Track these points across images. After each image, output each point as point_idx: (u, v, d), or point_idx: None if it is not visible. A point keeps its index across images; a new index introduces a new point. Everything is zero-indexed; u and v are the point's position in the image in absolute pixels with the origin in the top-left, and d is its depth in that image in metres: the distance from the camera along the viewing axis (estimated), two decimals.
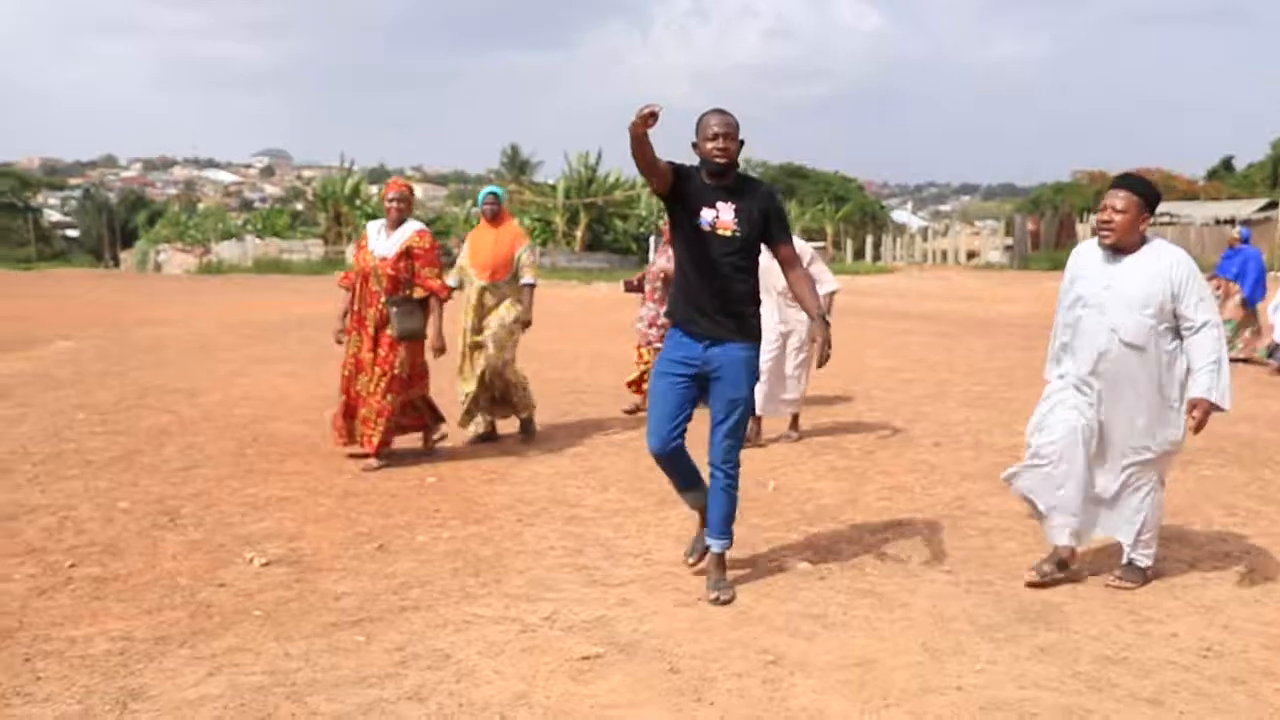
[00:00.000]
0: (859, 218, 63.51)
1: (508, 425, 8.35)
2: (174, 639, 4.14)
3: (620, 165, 43.91)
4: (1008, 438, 8.27)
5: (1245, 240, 14.21)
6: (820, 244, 57.22)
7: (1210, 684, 3.84)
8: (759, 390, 5.94)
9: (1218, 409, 4.61)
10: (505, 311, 7.86)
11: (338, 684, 3.74)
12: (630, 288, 10.29)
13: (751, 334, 4.64)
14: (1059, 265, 14.14)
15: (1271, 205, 46.77)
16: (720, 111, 4.52)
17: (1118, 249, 4.71)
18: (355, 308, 7.19)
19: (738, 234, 4.50)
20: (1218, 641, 4.24)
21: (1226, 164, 70.20)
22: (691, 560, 4.97)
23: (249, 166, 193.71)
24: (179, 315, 18.97)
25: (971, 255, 52.83)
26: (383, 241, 7.14)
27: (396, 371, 7.05)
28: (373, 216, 42.37)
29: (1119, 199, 4.66)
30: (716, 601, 4.53)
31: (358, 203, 46.01)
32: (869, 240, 56.64)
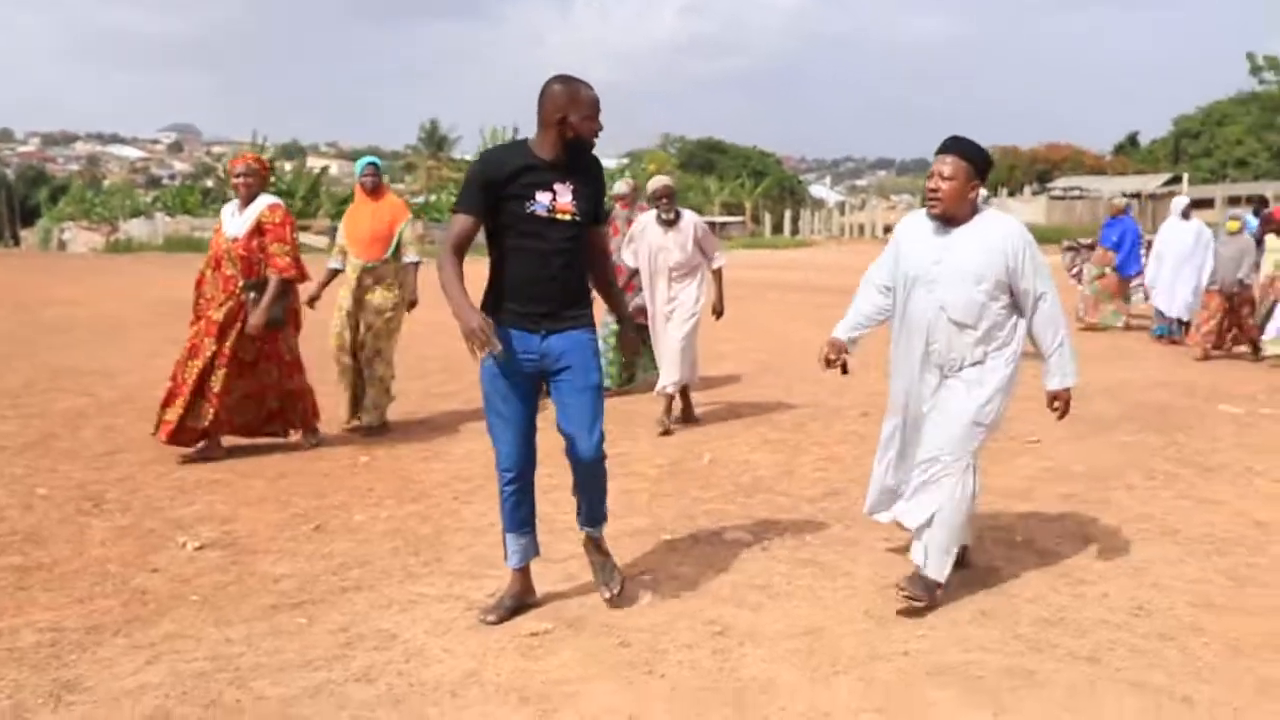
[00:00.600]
0: (777, 192, 64.01)
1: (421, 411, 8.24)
2: (107, 628, 4.04)
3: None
4: None
5: (1127, 211, 14.79)
6: (739, 218, 57.49)
7: (1143, 641, 3.95)
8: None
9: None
10: (383, 298, 7.40)
11: (282, 668, 3.69)
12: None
13: (592, 320, 4.22)
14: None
15: (1175, 180, 48.05)
16: (588, 85, 4.03)
17: (947, 220, 4.29)
18: (207, 294, 6.67)
19: (577, 217, 4.03)
20: (1147, 600, 4.36)
21: (1132, 140, 71.99)
22: (610, 594, 4.31)
23: (156, 142, 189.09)
24: (88, 295, 18.43)
25: (888, 229, 53.45)
26: (235, 221, 6.66)
27: (243, 357, 6.57)
28: (286, 194, 41.64)
29: (946, 165, 4.24)
30: (613, 600, 4.26)
31: (271, 180, 45.10)
32: (787, 214, 57.07)
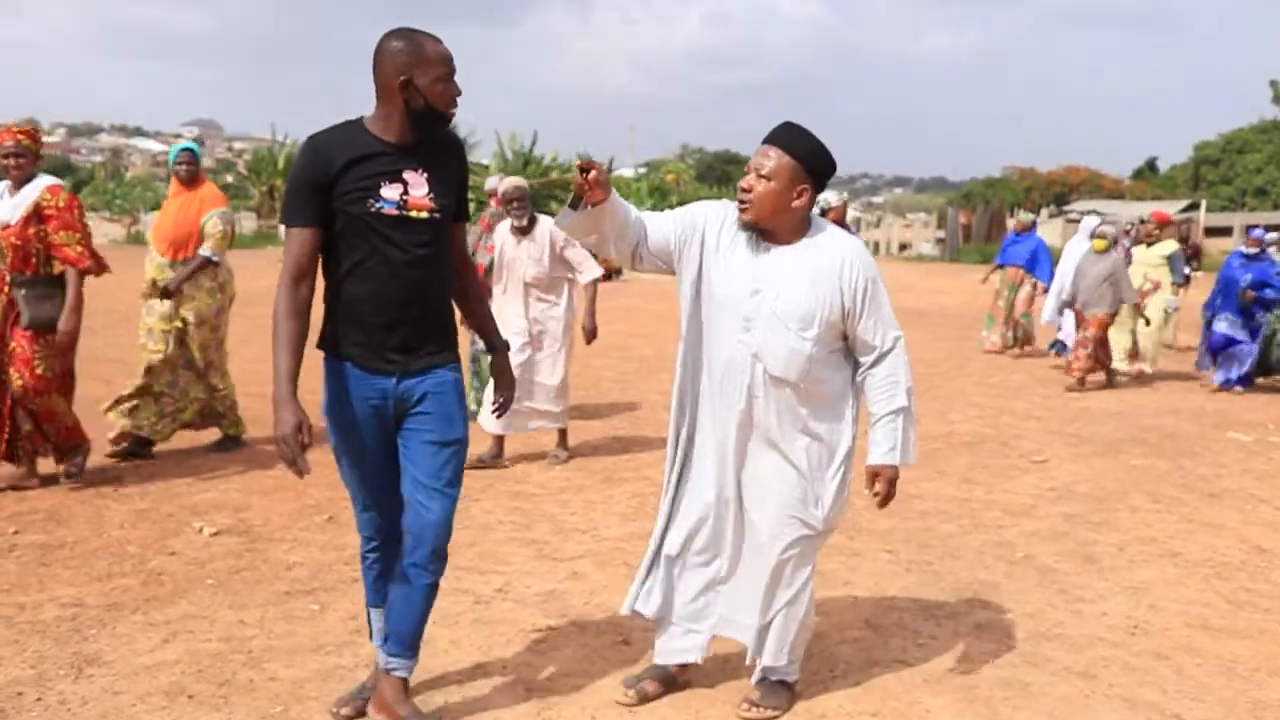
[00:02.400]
0: None
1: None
2: (126, 605, 4.15)
3: (557, 147, 43.76)
4: (940, 425, 8.46)
5: (1033, 228, 13.97)
6: None
7: (1137, 659, 4.02)
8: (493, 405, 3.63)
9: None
10: (203, 303, 6.54)
11: (294, 651, 3.78)
12: None
13: (458, 353, 3.29)
14: (989, 258, 14.42)
15: (1193, 206, 47.98)
16: (435, 38, 3.06)
17: (766, 234, 3.26)
18: None
19: (436, 214, 3.10)
20: (1144, 620, 4.43)
21: (1151, 165, 71.82)
22: (342, 713, 3.34)
23: (178, 136, 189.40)
24: (104, 284, 18.53)
25: (904, 247, 53.50)
26: (5, 206, 5.57)
27: (41, 371, 5.57)
28: None
29: (767, 159, 3.20)
30: None
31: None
32: None
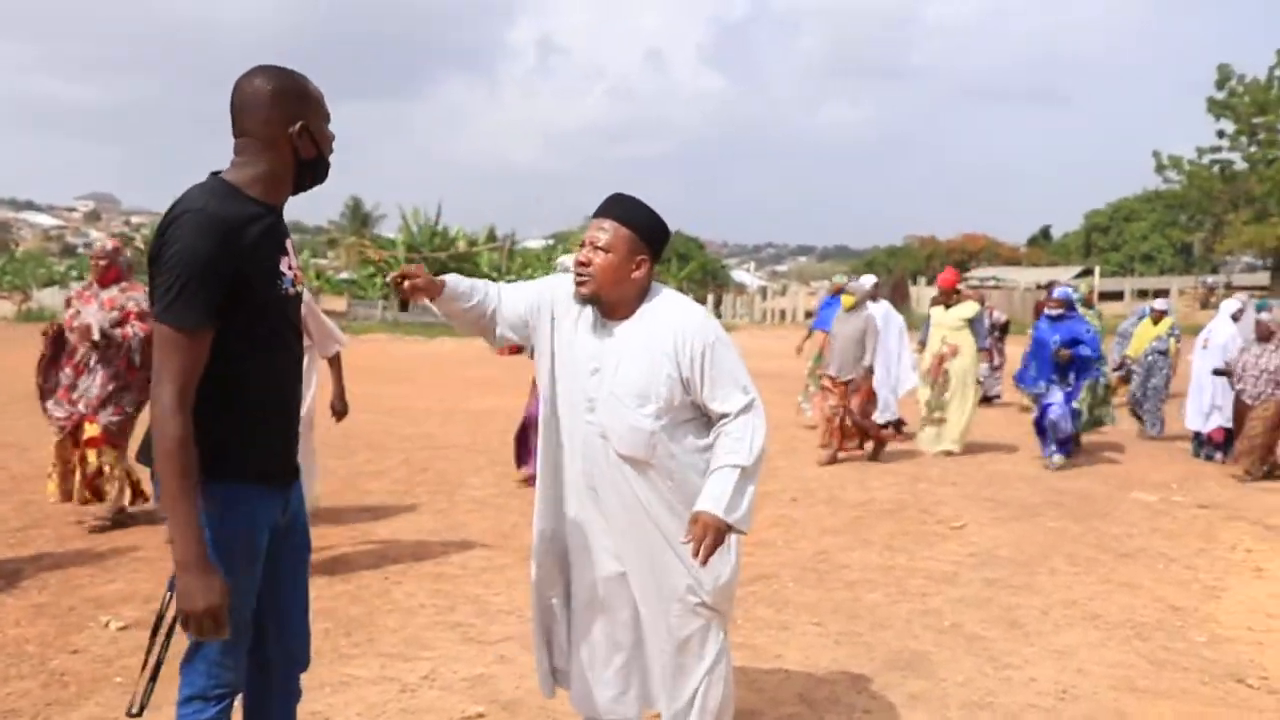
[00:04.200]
0: (701, 276, 64.66)
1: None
2: (24, 712, 3.92)
3: (461, 222, 43.74)
4: (861, 493, 8.51)
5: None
6: None
7: None
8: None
9: (734, 530, 3.07)
10: None
11: None
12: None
13: None
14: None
15: (1086, 272, 49.60)
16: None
17: (606, 309, 3.18)
18: None
19: (300, 287, 2.75)
20: (1072, 685, 4.45)
21: (1045, 233, 74.30)
22: None
23: (72, 210, 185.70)
24: (1, 364, 18.00)
25: (809, 315, 54.26)
26: None
27: None
28: None
29: (603, 232, 3.12)
30: None
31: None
32: (710, 299, 57.67)
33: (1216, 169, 48.39)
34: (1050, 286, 12.45)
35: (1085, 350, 10.12)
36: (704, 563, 3.02)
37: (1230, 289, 40.25)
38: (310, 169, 2.68)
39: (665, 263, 60.07)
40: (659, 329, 3.14)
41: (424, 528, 7.01)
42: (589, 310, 3.20)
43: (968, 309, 11.11)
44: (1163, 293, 33.11)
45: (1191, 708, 4.24)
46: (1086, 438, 11.43)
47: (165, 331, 2.39)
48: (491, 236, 42.71)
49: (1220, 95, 47.37)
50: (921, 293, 45.01)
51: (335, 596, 5.39)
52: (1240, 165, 48.05)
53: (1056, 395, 10.17)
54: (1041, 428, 10.34)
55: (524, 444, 8.21)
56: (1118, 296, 45.25)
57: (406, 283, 3.11)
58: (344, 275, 45.99)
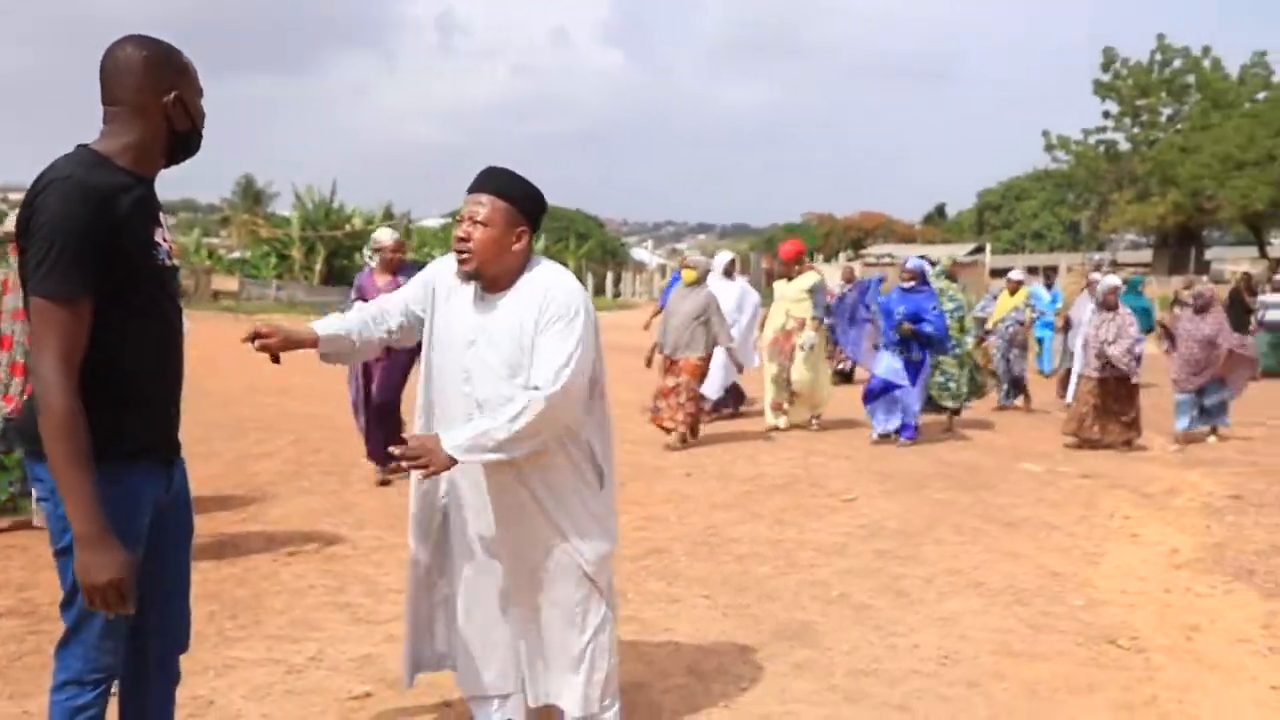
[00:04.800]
0: (600, 254, 64.68)
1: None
2: None
3: (357, 200, 43.07)
4: (753, 468, 8.60)
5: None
6: None
7: (949, 688, 4.13)
8: None
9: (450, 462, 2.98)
10: None
11: None
12: None
13: None
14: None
15: (979, 249, 50.71)
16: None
17: (488, 283, 3.16)
18: None
19: (176, 260, 2.70)
20: (954, 650, 4.56)
21: (940, 210, 75.84)
22: None
23: None
24: None
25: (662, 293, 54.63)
26: None
27: None
28: None
29: (481, 206, 3.11)
30: None
31: None
32: (609, 277, 57.72)
33: (1102, 149, 49.85)
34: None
35: (927, 328, 9.77)
36: (406, 463, 2.99)
37: (1116, 265, 41.54)
38: (182, 141, 2.62)
39: (564, 241, 60.07)
40: (532, 298, 3.13)
41: (315, 508, 6.92)
42: (471, 286, 3.19)
43: (809, 280, 10.89)
44: (1052, 269, 33.95)
45: (1065, 668, 4.38)
46: (976, 412, 11.70)
47: (42, 304, 2.30)
48: (388, 215, 42.19)
49: (1105, 78, 48.77)
50: (821, 268, 45.59)
51: (221, 579, 5.29)
52: (1124, 146, 49.57)
53: (895, 363, 9.87)
54: (871, 393, 10.10)
55: (374, 434, 7.60)
56: (1002, 273, 46.36)
57: (257, 342, 3.07)
58: (235, 254, 45.06)
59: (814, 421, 10.82)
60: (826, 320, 10.95)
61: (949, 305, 10.59)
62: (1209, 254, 49.23)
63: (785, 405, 10.73)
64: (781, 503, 7.37)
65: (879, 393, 10.06)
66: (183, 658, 2.91)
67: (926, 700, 4.01)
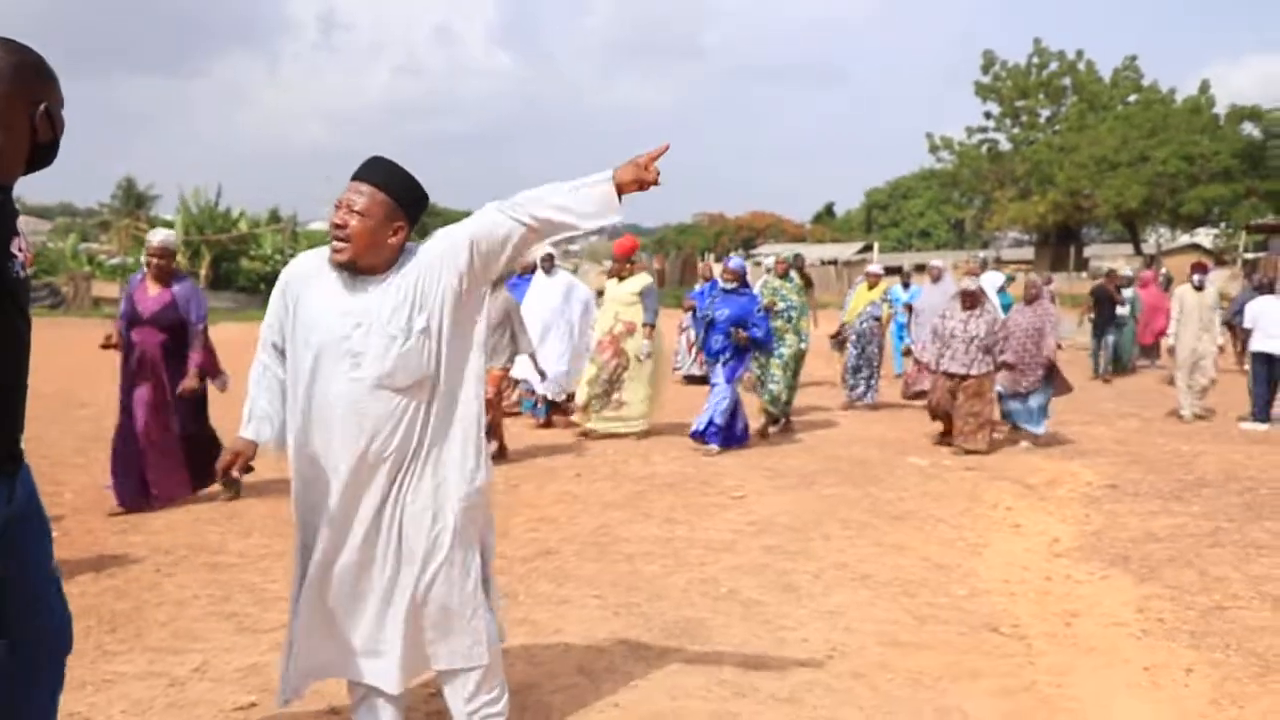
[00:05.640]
0: None
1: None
2: None
3: (244, 203, 42.07)
4: (644, 467, 8.64)
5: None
6: None
7: (837, 680, 4.20)
8: None
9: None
10: None
11: None
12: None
13: None
14: (680, 300, 14.87)
15: (867, 248, 51.70)
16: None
17: (362, 271, 3.14)
18: None
19: (30, 270, 2.61)
20: (841, 642, 4.65)
21: (829, 210, 76.98)
22: None
23: None
24: None
25: (600, 293, 54.70)
26: None
27: None
28: None
29: (360, 196, 3.11)
30: None
31: None
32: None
33: (984, 149, 51.12)
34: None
35: (757, 333, 9.31)
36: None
37: (1000, 263, 42.61)
38: (42, 152, 2.55)
39: None
40: (415, 270, 3.15)
41: (201, 516, 6.75)
42: (336, 276, 3.15)
43: (639, 281, 10.24)
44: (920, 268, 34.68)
45: (949, 657, 4.49)
46: (861, 409, 11.88)
47: None
48: (275, 218, 41.35)
49: (986, 79, 50.04)
50: (710, 270, 46.06)
51: (100, 592, 5.14)
52: (1006, 146, 50.91)
53: (715, 373, 9.49)
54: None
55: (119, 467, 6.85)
56: (897, 271, 47.29)
57: (239, 464, 3.27)
58: (116, 260, 43.73)
59: (635, 430, 9.99)
60: (687, 324, 10.34)
61: (781, 305, 10.32)
62: (1088, 251, 50.78)
63: (593, 410, 10.08)
64: (671, 501, 7.41)
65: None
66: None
67: (814, 692, 4.07)
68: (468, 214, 3.37)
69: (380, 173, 3.15)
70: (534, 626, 4.77)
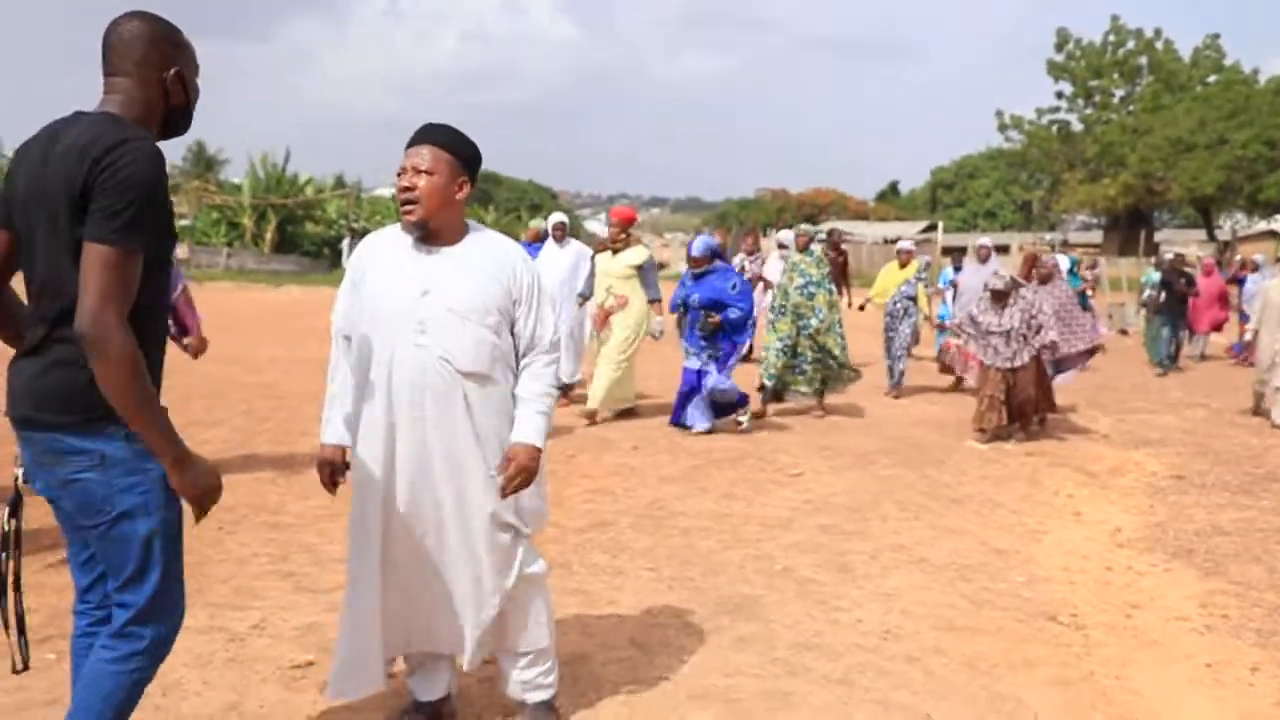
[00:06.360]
0: None
1: None
2: None
3: (310, 168, 42.51)
4: (702, 442, 8.63)
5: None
6: None
7: (890, 663, 4.18)
8: None
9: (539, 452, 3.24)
10: None
11: (24, 707, 3.50)
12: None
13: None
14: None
15: (931, 227, 51.09)
16: None
17: (430, 234, 3.17)
18: None
19: None
20: (896, 625, 4.62)
21: (893, 188, 76.22)
22: None
23: None
24: None
25: (662, 266, 54.62)
26: None
27: None
28: None
29: (423, 157, 3.15)
30: None
31: None
32: None
33: (1055, 129, 50.23)
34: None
35: (733, 313, 8.74)
36: (510, 485, 3.14)
37: (1067, 245, 41.97)
38: (176, 117, 2.74)
39: (516, 212, 59.79)
40: (489, 252, 3.25)
41: (263, 477, 6.86)
42: (408, 243, 3.21)
43: (636, 255, 9.52)
44: (1003, 248, 34.24)
45: (1005, 644, 4.45)
46: (922, 390, 11.75)
47: (113, 254, 2.39)
48: (340, 184, 41.73)
49: (1059, 58, 49.13)
50: (775, 244, 45.77)
51: None
52: (1077, 126, 49.98)
53: (705, 364, 8.95)
54: (683, 395, 9.15)
55: None
56: (961, 251, 46.72)
57: (331, 475, 3.32)
58: (185, 221, 44.43)
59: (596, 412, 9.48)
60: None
61: (799, 280, 9.79)
62: (1159, 236, 49.79)
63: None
64: (729, 477, 7.40)
65: (693, 390, 9.07)
66: None
67: (867, 674, 4.05)
68: (532, 185, 3.40)
69: (438, 134, 3.22)
70: (588, 597, 4.79)
